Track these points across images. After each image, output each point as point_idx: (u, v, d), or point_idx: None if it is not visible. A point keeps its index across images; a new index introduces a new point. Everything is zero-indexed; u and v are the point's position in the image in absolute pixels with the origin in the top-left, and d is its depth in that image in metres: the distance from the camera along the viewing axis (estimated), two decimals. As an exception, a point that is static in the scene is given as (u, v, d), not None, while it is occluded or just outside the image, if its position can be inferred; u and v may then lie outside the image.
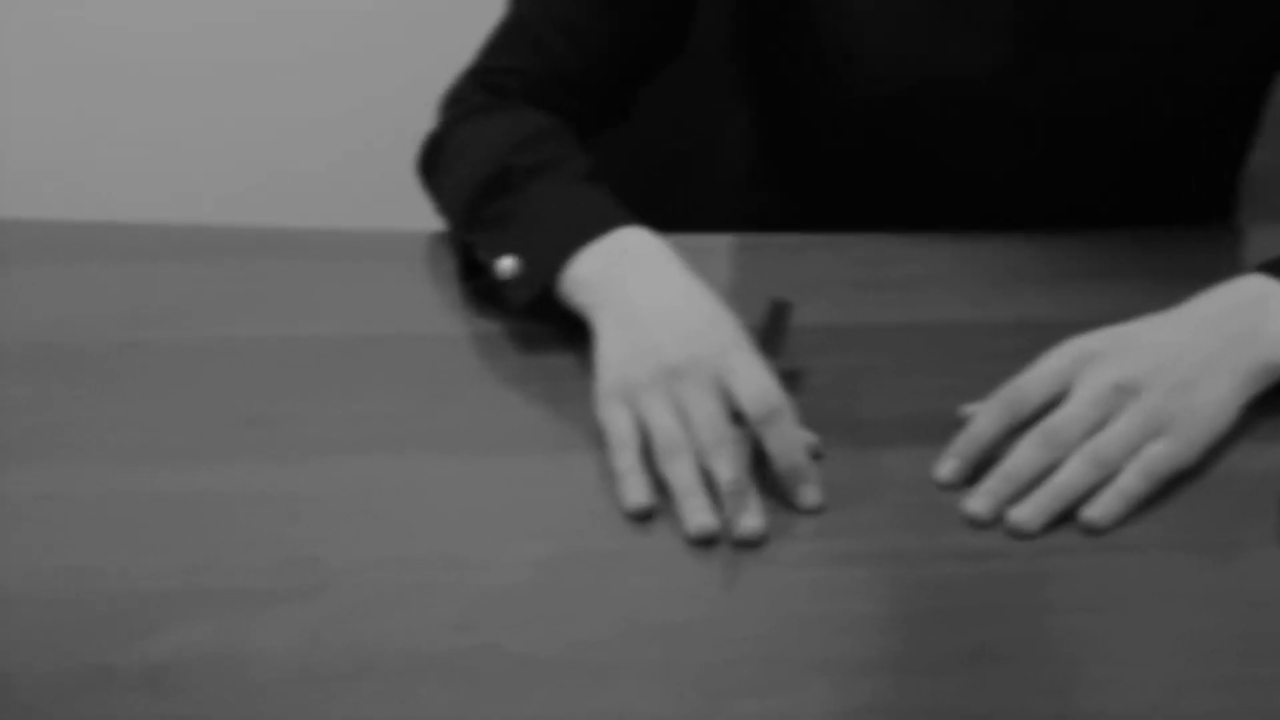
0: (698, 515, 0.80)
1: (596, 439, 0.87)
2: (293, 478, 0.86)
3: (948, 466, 0.84)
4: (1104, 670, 0.73)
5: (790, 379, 0.89)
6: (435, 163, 1.04)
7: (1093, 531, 0.80)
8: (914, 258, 1.02)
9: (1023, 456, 0.83)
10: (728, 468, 0.82)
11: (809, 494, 0.83)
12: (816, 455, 0.86)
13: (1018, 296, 0.98)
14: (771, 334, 0.90)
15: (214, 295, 1.00)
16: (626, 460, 0.84)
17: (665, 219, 0.97)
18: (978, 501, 0.82)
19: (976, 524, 0.81)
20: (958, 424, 0.87)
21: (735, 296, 0.91)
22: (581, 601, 0.78)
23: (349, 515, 0.83)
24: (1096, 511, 0.81)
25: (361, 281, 1.02)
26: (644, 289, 0.90)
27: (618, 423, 0.85)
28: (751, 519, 0.81)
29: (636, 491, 0.83)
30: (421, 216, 1.05)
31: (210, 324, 0.98)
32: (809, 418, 0.87)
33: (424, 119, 1.07)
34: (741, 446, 0.83)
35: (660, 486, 0.83)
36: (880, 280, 1.00)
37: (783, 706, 0.71)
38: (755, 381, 0.84)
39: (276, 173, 1.83)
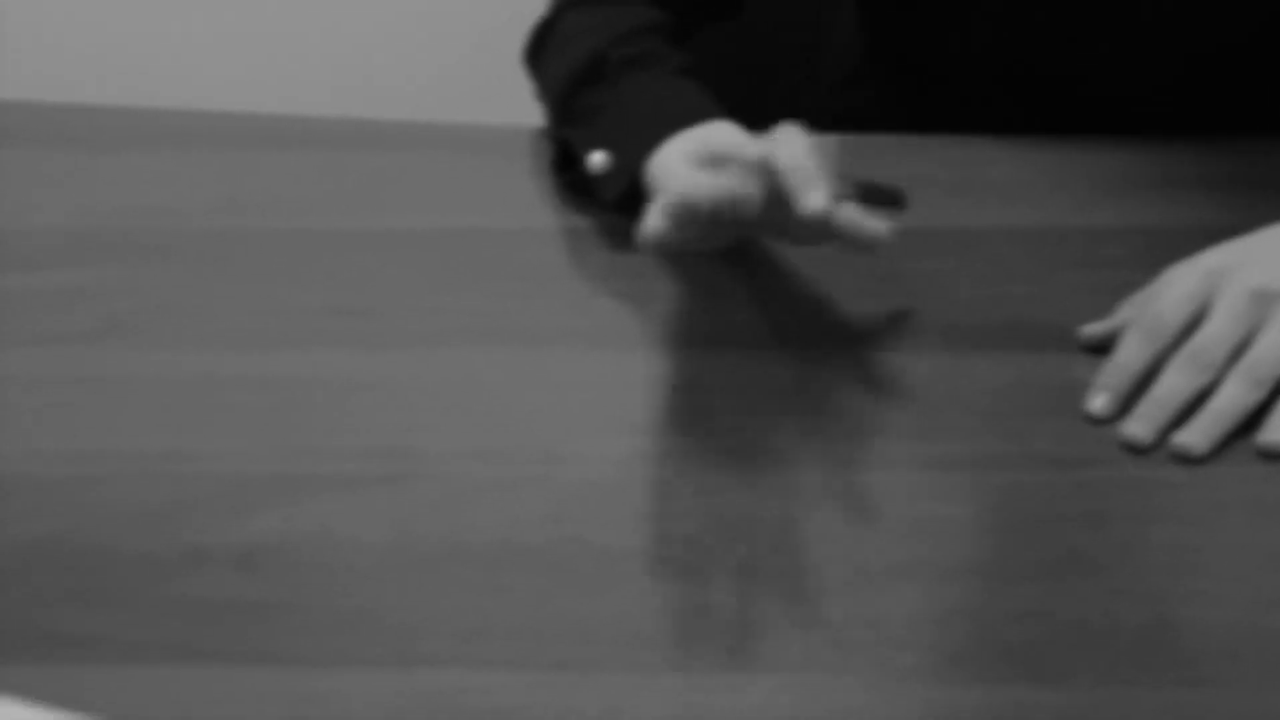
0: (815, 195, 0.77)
1: (684, 338, 0.87)
2: (384, 367, 0.86)
3: (1100, 400, 0.82)
4: (1196, 582, 0.73)
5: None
6: (541, 49, 1.04)
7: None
8: (1011, 161, 1.00)
9: (1172, 381, 0.81)
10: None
11: (813, 198, 0.78)
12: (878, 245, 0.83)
13: (1119, 202, 0.96)
14: (872, 190, 0.87)
15: (308, 186, 1.01)
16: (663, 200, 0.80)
17: (761, 117, 0.96)
18: (1137, 426, 0.80)
19: (1137, 449, 0.80)
20: (1055, 331, 0.86)
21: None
22: (667, 497, 0.78)
23: (439, 406, 0.83)
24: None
25: (454, 175, 1.02)
26: None
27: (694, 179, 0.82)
28: (814, 196, 0.77)
29: (655, 219, 0.79)
30: (516, 110, 1.05)
31: (303, 214, 0.98)
32: (902, 320, 0.86)
33: (527, 10, 1.06)
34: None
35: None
36: (976, 183, 0.99)
37: (867, 609, 0.71)
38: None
39: (373, 65, 1.83)
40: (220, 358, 0.87)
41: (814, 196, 0.78)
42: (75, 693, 0.67)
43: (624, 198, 0.93)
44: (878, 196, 0.87)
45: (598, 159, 0.94)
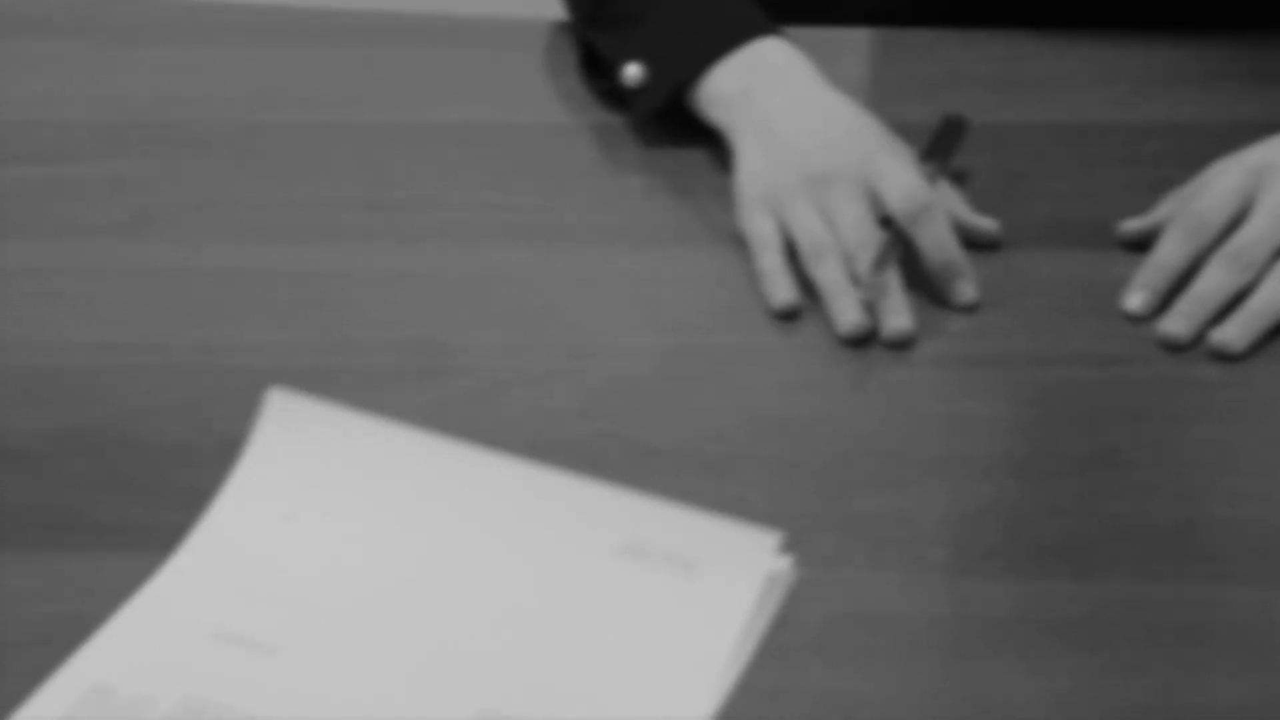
0: (848, 314, 0.79)
1: (717, 234, 0.86)
2: (415, 262, 0.86)
3: (1137, 299, 0.81)
4: (1231, 480, 0.72)
5: (960, 179, 0.87)
6: None
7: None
8: (1051, 56, 0.99)
9: (1212, 279, 0.80)
10: (874, 267, 0.80)
11: (965, 290, 0.81)
12: (995, 243, 0.84)
13: (1162, 98, 0.95)
14: (939, 147, 0.88)
15: (339, 80, 1.00)
16: (771, 260, 0.83)
17: (801, 11, 0.94)
18: (1175, 323, 0.79)
19: (1173, 346, 0.79)
20: (1094, 229, 0.85)
21: (868, 93, 0.89)
22: (702, 394, 0.77)
23: (470, 300, 0.83)
24: None
25: (486, 69, 1.01)
26: (785, 105, 0.88)
27: (761, 227, 0.84)
28: (899, 318, 0.80)
29: (784, 290, 0.82)
30: (549, 4, 1.03)
31: (334, 108, 0.97)
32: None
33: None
34: (889, 248, 0.82)
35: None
36: (1016, 79, 0.97)
37: (901, 503, 0.71)
38: (903, 180, 0.83)
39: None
40: (251, 251, 0.87)
41: (965, 290, 0.81)
42: (109, 579, 0.68)
43: (660, 112, 0.92)
44: (948, 139, 0.87)
45: (633, 72, 0.92)
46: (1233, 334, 0.78)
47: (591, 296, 0.84)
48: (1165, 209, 0.85)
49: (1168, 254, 0.82)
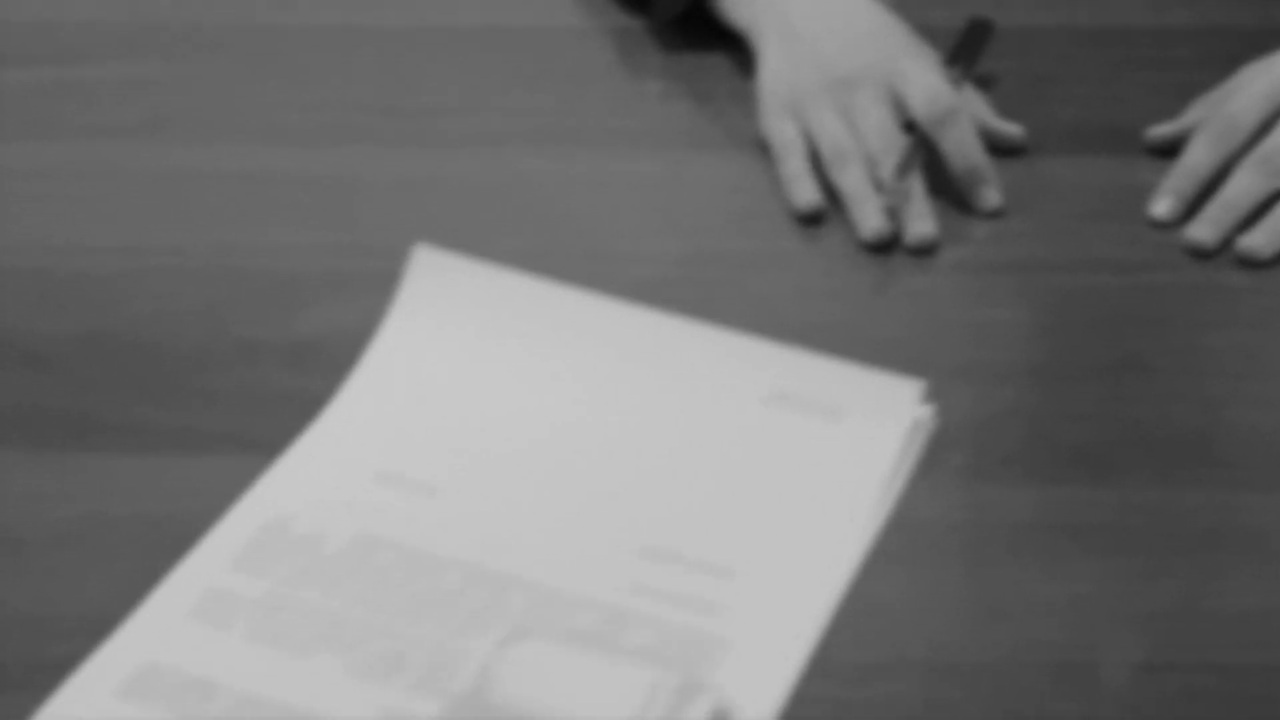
0: (871, 219, 0.79)
1: (737, 139, 0.85)
2: (434, 165, 0.85)
3: (1163, 204, 0.80)
4: (1256, 387, 0.71)
5: (985, 83, 0.86)
6: None
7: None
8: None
9: (1242, 184, 0.79)
10: (897, 172, 0.80)
11: (989, 195, 0.81)
12: (1020, 149, 0.83)
13: (1192, 2, 0.93)
14: (965, 51, 0.86)
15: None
16: (794, 165, 0.82)
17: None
18: (1201, 229, 0.78)
19: (1199, 252, 0.78)
20: (1120, 134, 0.84)
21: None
22: (721, 300, 0.77)
23: (488, 204, 0.83)
24: None
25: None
26: (808, 7, 0.87)
27: (783, 132, 0.83)
28: (923, 224, 0.79)
29: (808, 192, 0.81)
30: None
31: (354, 11, 0.96)
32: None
33: None
34: (913, 154, 0.81)
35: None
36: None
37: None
38: (927, 84, 0.82)
39: None
40: (269, 154, 0.86)
41: (990, 197, 0.80)
42: (127, 480, 0.68)
43: (682, 17, 0.91)
44: (974, 42, 0.86)
45: None
46: (1260, 240, 0.78)
47: (610, 201, 0.83)
48: (1194, 114, 0.83)
49: (1196, 159, 0.81)
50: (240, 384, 0.73)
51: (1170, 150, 0.83)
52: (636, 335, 0.72)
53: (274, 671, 0.59)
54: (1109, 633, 0.61)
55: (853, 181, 0.80)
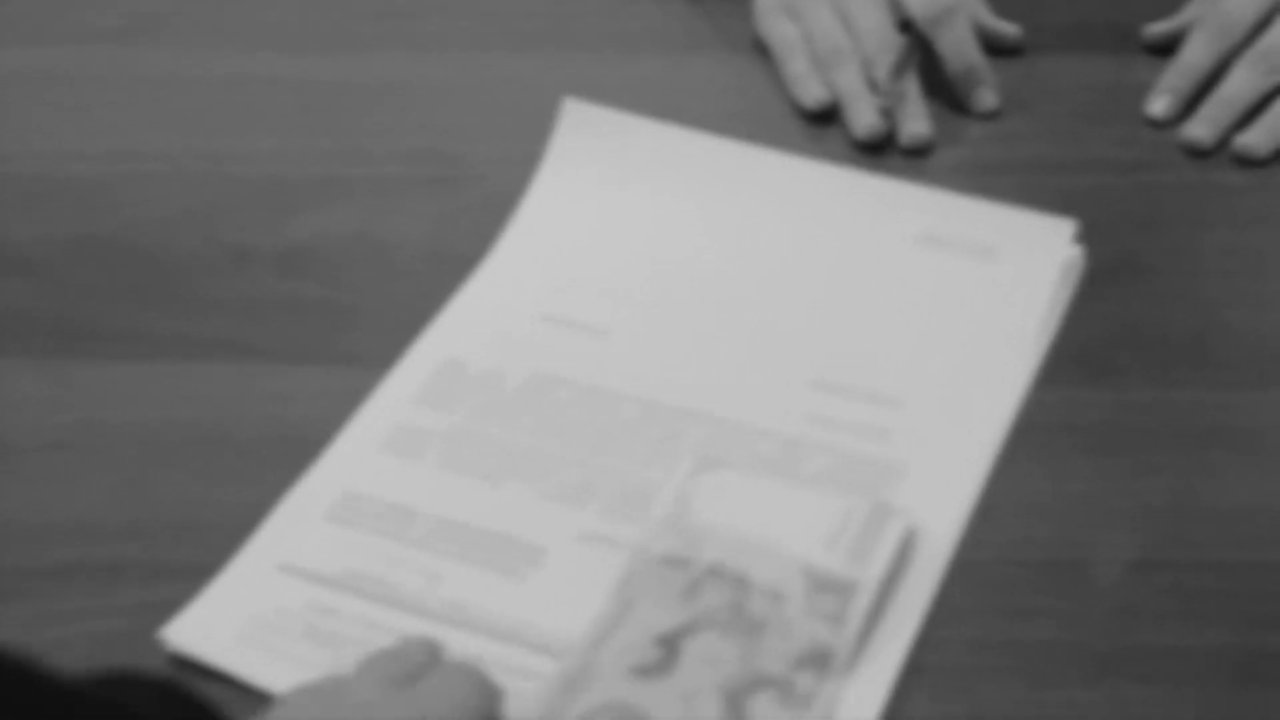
0: (865, 117, 0.78)
1: (730, 41, 0.85)
2: (425, 70, 0.84)
3: (1161, 103, 0.79)
4: (1252, 286, 0.71)
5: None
6: None
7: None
8: None
9: (1240, 81, 0.78)
10: (893, 73, 0.79)
11: (986, 96, 0.80)
12: (1017, 48, 0.83)
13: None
14: None
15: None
16: (799, 65, 0.81)
17: None
18: (1198, 127, 0.78)
19: (1196, 151, 0.77)
20: (1117, 32, 0.83)
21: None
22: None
23: (480, 109, 0.82)
24: None
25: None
26: None
27: (783, 32, 0.83)
28: (918, 124, 0.78)
29: (815, 89, 0.80)
30: None
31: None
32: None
33: None
34: (909, 54, 0.80)
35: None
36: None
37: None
38: None
39: None
40: (259, 58, 0.85)
41: (986, 98, 0.80)
42: (121, 386, 0.68)
43: None
44: None
45: None
46: (1258, 138, 0.77)
47: (607, 104, 0.82)
48: (1191, 10, 0.82)
49: (1193, 56, 0.80)
50: (234, 289, 0.72)
51: (1167, 48, 0.82)
52: (787, 179, 0.74)
53: (469, 498, 0.62)
54: (1102, 530, 0.61)
55: (848, 81, 0.80)
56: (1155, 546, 0.60)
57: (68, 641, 0.58)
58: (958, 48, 0.80)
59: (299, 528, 0.62)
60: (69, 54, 0.85)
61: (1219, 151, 0.78)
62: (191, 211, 0.77)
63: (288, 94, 0.83)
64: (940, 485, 0.62)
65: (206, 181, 0.78)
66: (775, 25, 0.83)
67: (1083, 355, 0.68)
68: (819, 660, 0.55)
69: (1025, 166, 0.78)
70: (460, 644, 0.56)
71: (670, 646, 0.55)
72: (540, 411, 0.66)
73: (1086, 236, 0.73)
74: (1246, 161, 0.77)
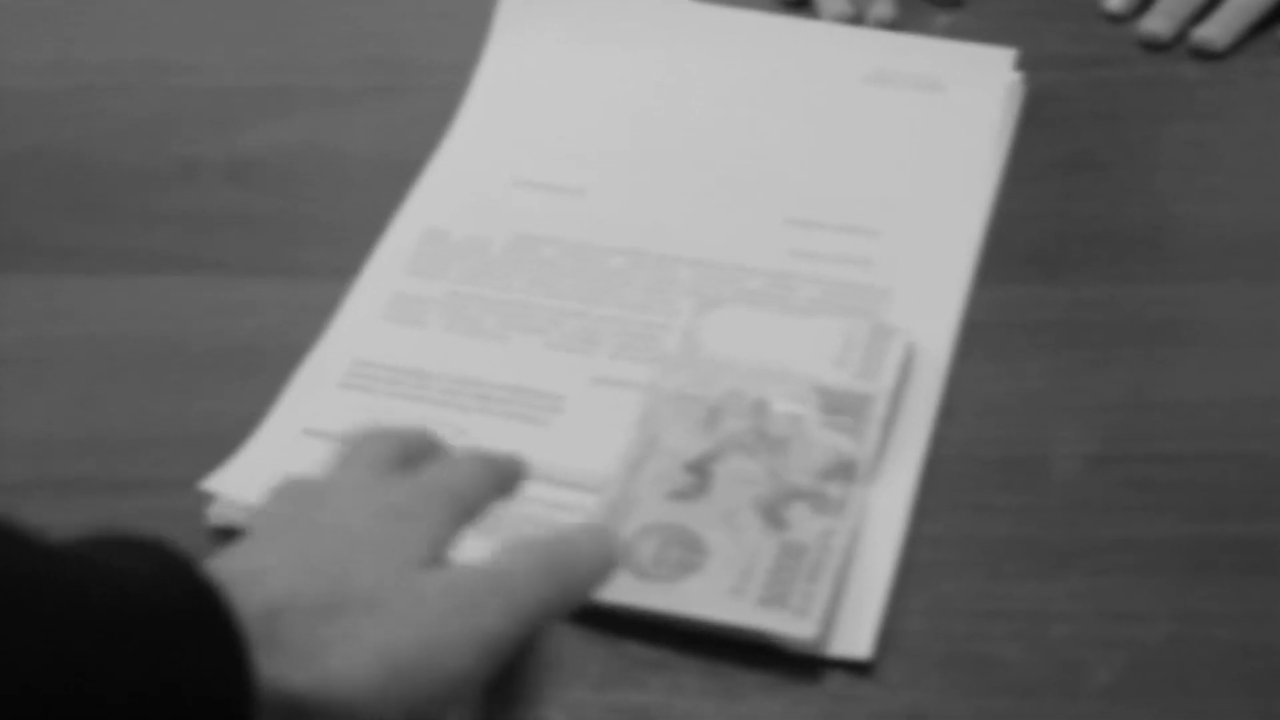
0: (835, 4, 0.78)
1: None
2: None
3: None
4: (1208, 179, 0.71)
5: None
6: None
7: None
8: None
9: None
10: None
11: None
12: None
13: None
14: None
15: None
16: None
17: None
18: (1156, 21, 0.77)
19: (1153, 44, 0.77)
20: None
21: None
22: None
23: (427, 17, 0.81)
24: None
25: None
26: None
27: None
28: (884, 7, 0.78)
29: None
30: None
31: None
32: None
33: None
34: None
35: None
36: None
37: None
38: None
39: None
40: (202, -33, 0.84)
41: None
42: (71, 300, 0.67)
43: None
44: None
45: None
46: (1215, 31, 0.76)
47: None
48: (1148, -96, 0.82)
49: (1151, -52, 0.79)
50: (182, 202, 0.72)
51: (1125, -57, 0.81)
52: (734, 30, 0.76)
53: (479, 356, 0.64)
54: (1060, 426, 0.61)
55: None
56: (1112, 441, 0.60)
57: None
58: None
59: (316, 396, 0.62)
60: (8, -35, 0.84)
61: (1176, 45, 0.77)
62: (139, 123, 0.75)
63: (232, 4, 0.82)
64: (927, 305, 0.65)
65: (153, 93, 0.77)
66: None
67: (1037, 252, 0.68)
68: (844, 470, 0.58)
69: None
70: None
71: (701, 472, 0.58)
72: (530, 270, 0.67)
73: (1042, 133, 0.73)
74: (1204, 55, 0.76)
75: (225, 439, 0.61)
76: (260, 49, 0.79)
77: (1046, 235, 0.69)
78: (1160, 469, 0.59)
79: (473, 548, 0.48)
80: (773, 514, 0.56)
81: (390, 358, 0.64)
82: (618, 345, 0.64)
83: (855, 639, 0.54)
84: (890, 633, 0.54)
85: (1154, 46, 0.77)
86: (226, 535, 0.56)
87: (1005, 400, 0.62)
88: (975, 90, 0.73)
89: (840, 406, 0.60)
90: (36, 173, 0.73)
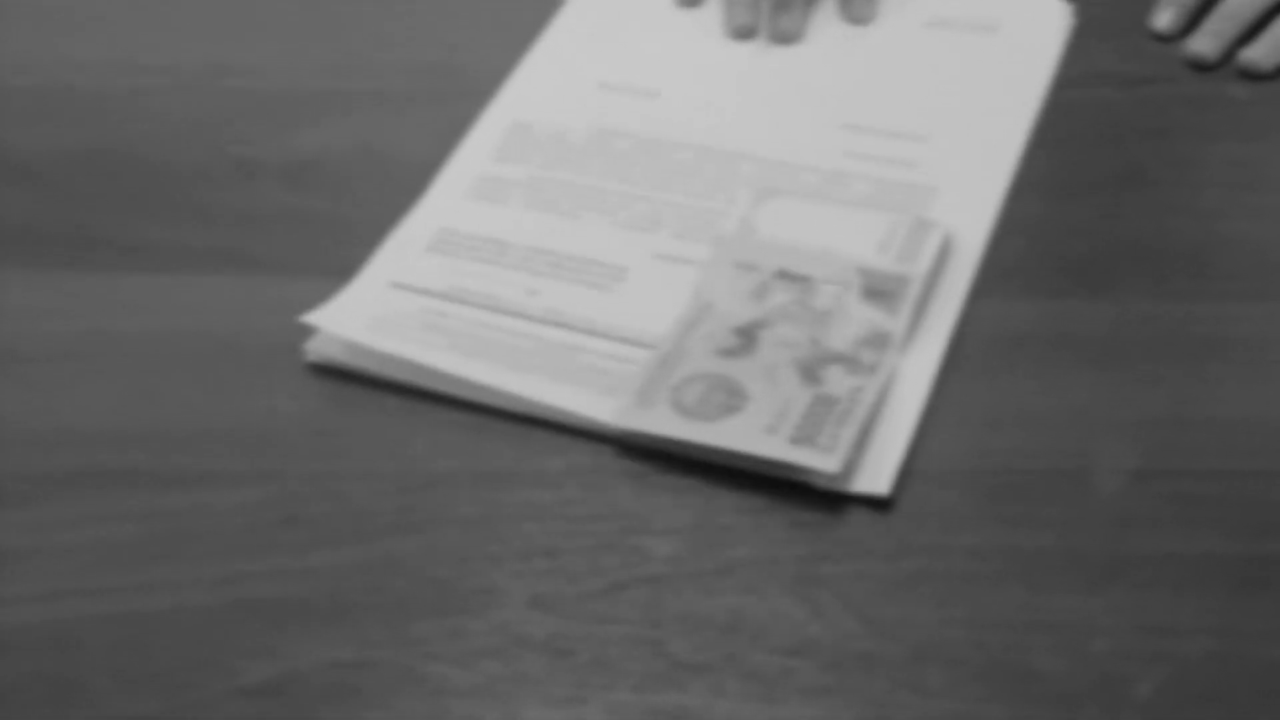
0: (739, 16, 0.80)
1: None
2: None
3: (1166, 16, 0.79)
4: (1254, 197, 0.71)
5: None
6: None
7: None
8: None
9: None
10: None
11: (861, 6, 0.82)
12: None
13: None
14: None
15: None
16: None
17: None
18: (1203, 42, 0.78)
19: (1200, 65, 0.77)
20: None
21: None
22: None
23: (484, 22, 0.82)
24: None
25: None
26: None
27: None
28: (790, 21, 0.80)
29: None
30: None
31: None
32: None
33: None
34: None
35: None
36: None
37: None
38: None
39: None
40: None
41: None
42: (130, 296, 0.68)
43: None
44: None
45: None
46: (1261, 52, 0.77)
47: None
48: (1197, -76, 0.82)
49: (1197, -31, 0.79)
50: (239, 202, 0.73)
51: (1174, -38, 0.81)
52: None
53: (553, 230, 0.70)
54: (1103, 440, 0.61)
55: None
56: (1155, 456, 0.61)
57: (77, 547, 0.59)
58: None
59: (404, 255, 0.69)
60: (71, -35, 0.85)
61: (1223, 66, 0.78)
62: (196, 123, 0.77)
63: (291, 5, 0.83)
64: (967, 202, 0.71)
65: (210, 93, 0.78)
66: None
67: (1083, 268, 0.68)
68: (879, 340, 0.64)
69: (1029, 80, 0.78)
70: (560, 339, 0.65)
71: (748, 335, 0.64)
72: (605, 160, 0.73)
73: (1090, 150, 0.73)
74: (1249, 75, 0.77)
75: (277, 435, 0.62)
76: (316, 52, 0.81)
77: (1092, 250, 0.69)
78: (1202, 485, 0.60)
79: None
80: (810, 372, 0.62)
81: (474, 228, 0.70)
82: (680, 226, 0.70)
83: (876, 478, 0.60)
84: (930, 642, 0.55)
85: (1201, 66, 0.77)
86: (321, 370, 0.64)
87: (1048, 413, 0.63)
88: (1028, 30, 0.80)
89: (880, 286, 0.65)
90: (98, 171, 0.74)
